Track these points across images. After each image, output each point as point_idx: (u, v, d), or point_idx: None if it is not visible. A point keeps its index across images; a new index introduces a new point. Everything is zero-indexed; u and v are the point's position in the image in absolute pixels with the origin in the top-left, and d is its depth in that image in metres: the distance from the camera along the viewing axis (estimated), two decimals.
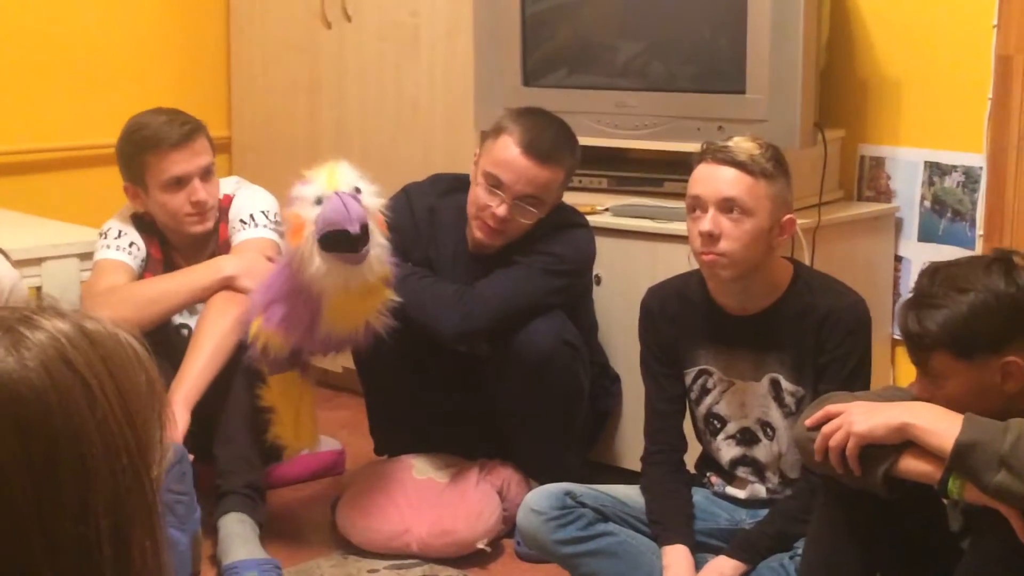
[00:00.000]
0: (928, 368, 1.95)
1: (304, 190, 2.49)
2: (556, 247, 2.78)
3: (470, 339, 2.74)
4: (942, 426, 1.86)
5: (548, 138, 2.76)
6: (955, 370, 1.92)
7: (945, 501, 2.00)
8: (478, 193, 2.75)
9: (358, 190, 2.50)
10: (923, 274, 2.03)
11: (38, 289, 2.83)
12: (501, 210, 2.72)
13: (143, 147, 2.74)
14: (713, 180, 2.31)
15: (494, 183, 2.73)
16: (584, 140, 3.14)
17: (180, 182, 2.73)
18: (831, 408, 2.00)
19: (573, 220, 2.86)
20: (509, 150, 2.72)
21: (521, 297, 2.73)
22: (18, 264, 2.64)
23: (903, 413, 1.92)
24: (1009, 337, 1.90)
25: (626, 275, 2.92)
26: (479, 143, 2.87)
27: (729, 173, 2.30)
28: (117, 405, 0.89)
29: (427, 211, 2.90)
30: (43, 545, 0.85)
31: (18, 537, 0.85)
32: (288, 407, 2.69)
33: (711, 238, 2.30)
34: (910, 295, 2.01)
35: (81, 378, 0.88)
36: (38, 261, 2.82)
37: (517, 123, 2.76)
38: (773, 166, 2.33)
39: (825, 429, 1.97)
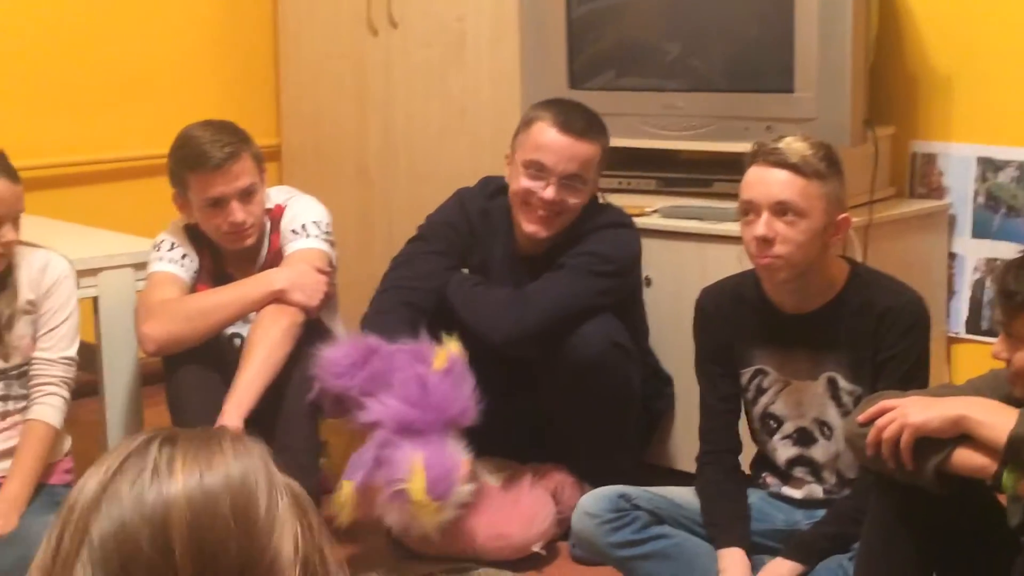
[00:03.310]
0: (1013, 328, 1.94)
1: None
2: (601, 247, 2.79)
3: (522, 344, 2.74)
4: (998, 419, 1.86)
5: (580, 116, 2.81)
6: None
7: (1001, 496, 1.98)
8: (522, 183, 2.77)
9: None
10: None
11: (94, 301, 2.87)
12: (549, 192, 2.73)
13: (185, 165, 2.77)
14: (765, 183, 2.31)
15: (537, 168, 2.74)
16: (632, 142, 3.16)
17: (218, 203, 2.75)
18: (885, 402, 1.99)
19: (618, 220, 2.86)
20: (546, 133, 2.75)
21: (570, 299, 2.73)
22: (76, 274, 2.69)
23: (959, 406, 1.92)
24: None
25: (676, 276, 2.92)
26: (510, 143, 2.87)
27: (782, 175, 2.29)
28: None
29: (480, 214, 2.92)
30: None
31: None
32: (339, 443, 2.69)
33: (766, 242, 2.30)
34: (1018, 254, 2.00)
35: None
36: (95, 272, 2.85)
37: (547, 110, 2.81)
38: (826, 166, 2.32)
39: (879, 422, 1.96)
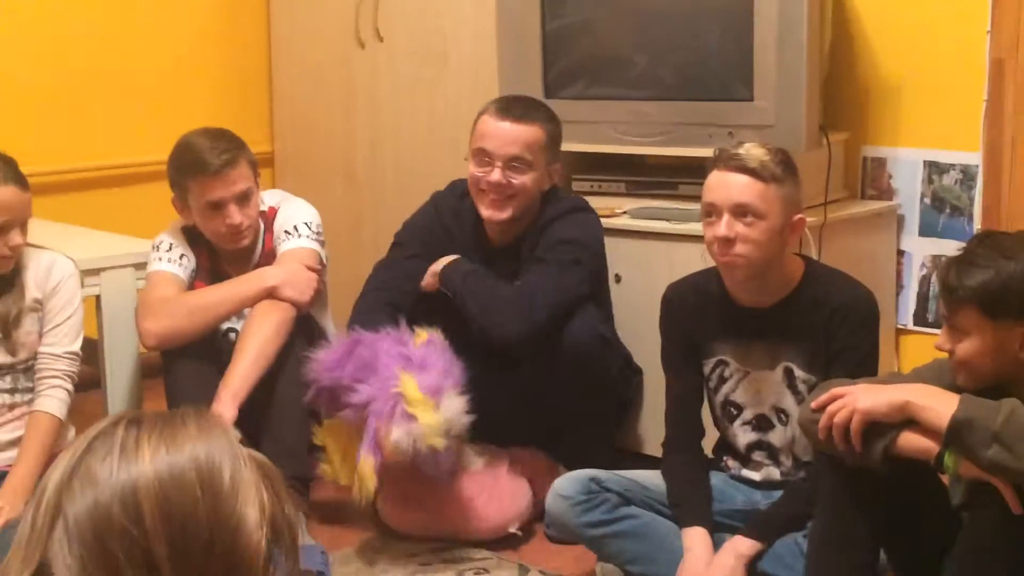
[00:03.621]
0: (955, 321, 1.96)
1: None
2: (570, 232, 2.78)
3: (531, 341, 2.69)
4: (940, 405, 1.87)
5: (519, 103, 2.84)
6: (979, 327, 1.93)
7: (944, 477, 1.99)
8: (472, 171, 2.79)
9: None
10: (974, 237, 2.06)
11: (97, 299, 2.86)
12: (495, 175, 2.75)
13: (185, 171, 2.76)
14: (726, 187, 2.31)
15: (483, 155, 2.77)
16: (602, 147, 3.17)
17: (217, 207, 2.75)
18: (836, 390, 2.01)
19: (577, 205, 2.87)
20: (487, 123, 2.79)
21: (564, 293, 2.72)
22: (80, 274, 2.68)
23: (904, 392, 1.93)
24: None
25: (645, 274, 2.93)
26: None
27: (741, 180, 2.30)
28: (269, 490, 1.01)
29: (452, 213, 2.93)
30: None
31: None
32: (336, 447, 2.67)
33: (727, 242, 2.31)
34: (958, 252, 2.01)
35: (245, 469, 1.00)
36: (97, 271, 2.85)
37: (491, 103, 2.86)
38: (783, 170, 2.33)
39: (831, 408, 1.98)
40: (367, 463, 2.51)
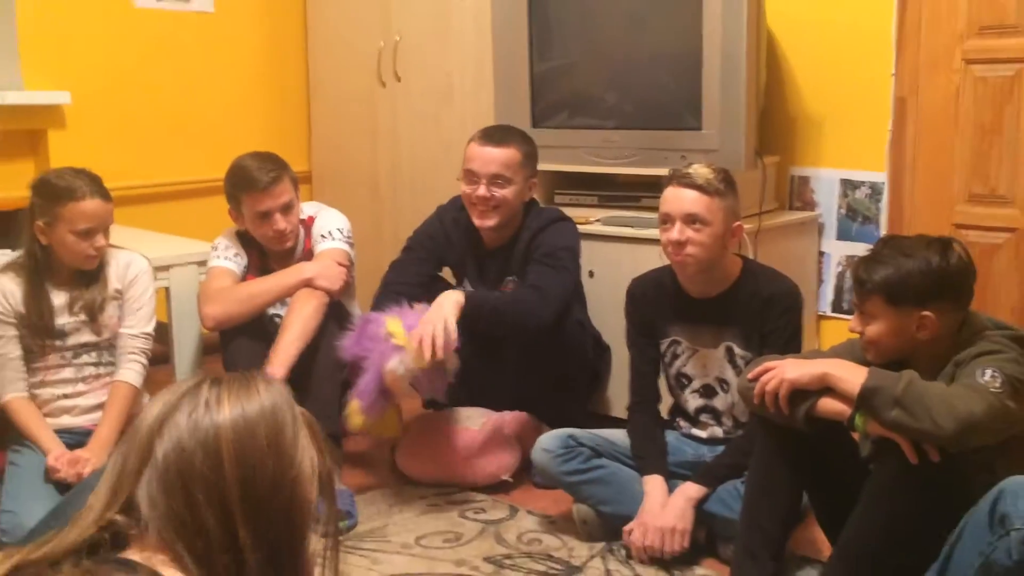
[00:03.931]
0: (864, 308, 1.96)
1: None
2: (562, 240, 2.75)
3: (548, 327, 2.65)
4: (852, 375, 1.86)
5: (498, 130, 2.83)
6: (884, 313, 1.92)
7: (855, 435, 2.00)
8: (463, 188, 2.78)
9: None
10: (880, 239, 2.04)
11: (167, 290, 2.85)
12: (480, 190, 2.74)
13: (239, 187, 2.75)
14: (679, 200, 2.31)
15: (471, 175, 2.76)
16: (579, 168, 3.17)
17: (265, 216, 2.74)
18: (767, 363, 2.00)
19: (558, 215, 2.84)
20: (473, 148, 2.78)
21: (564, 289, 2.70)
22: (153, 270, 2.68)
23: (824, 365, 1.92)
24: (930, 297, 1.89)
25: (613, 270, 2.93)
26: None
27: (691, 194, 2.30)
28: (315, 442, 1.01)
29: (453, 223, 2.91)
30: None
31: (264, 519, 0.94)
32: (363, 428, 2.60)
33: (679, 245, 2.30)
34: (867, 252, 2.00)
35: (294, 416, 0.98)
36: (167, 268, 2.84)
37: (476, 133, 2.84)
38: (725, 186, 2.33)
39: (763, 378, 1.97)
40: (352, 405, 2.51)
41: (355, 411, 2.52)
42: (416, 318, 2.53)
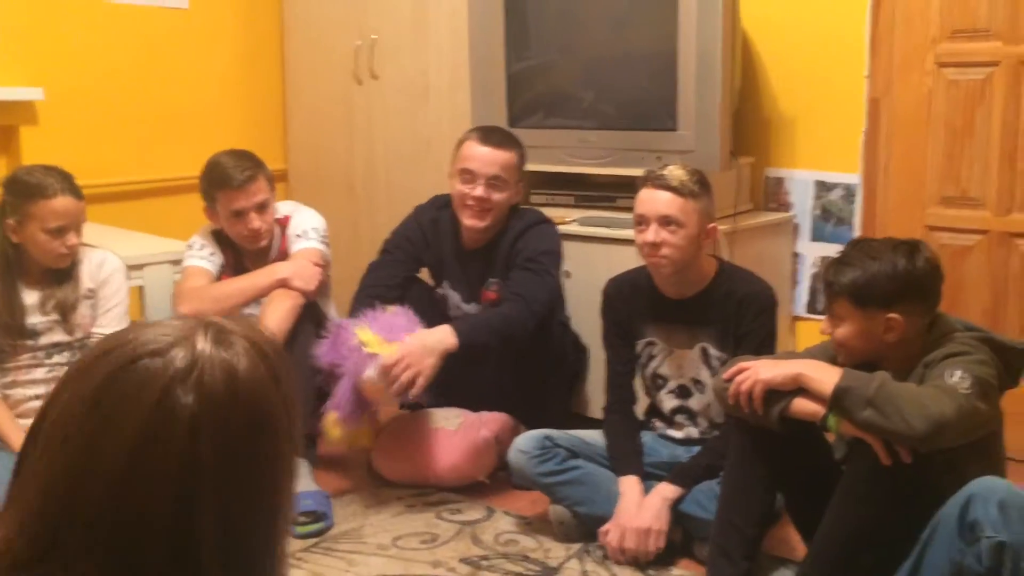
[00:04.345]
0: (833, 310, 1.97)
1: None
2: (545, 244, 2.75)
3: (534, 329, 2.66)
4: (826, 376, 1.87)
5: (497, 132, 2.83)
6: (852, 315, 1.93)
7: (829, 436, 2.01)
8: (458, 187, 2.76)
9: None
10: (850, 242, 2.05)
11: (140, 289, 2.83)
12: (478, 191, 2.73)
13: (214, 184, 2.74)
14: (653, 201, 2.32)
15: (468, 174, 2.74)
16: (555, 167, 3.17)
17: (239, 214, 2.73)
18: (742, 364, 2.01)
19: (541, 218, 2.85)
20: (473, 147, 2.76)
21: (549, 291, 2.70)
22: (126, 268, 2.66)
23: (797, 366, 1.93)
24: (896, 299, 1.90)
25: (589, 270, 2.93)
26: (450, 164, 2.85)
27: (666, 196, 2.31)
28: (291, 413, 0.85)
29: (431, 222, 2.91)
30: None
31: (236, 498, 0.80)
32: (342, 439, 2.57)
33: (654, 246, 2.31)
34: (837, 254, 2.01)
35: (282, 392, 0.84)
36: (141, 267, 2.82)
37: (473, 131, 2.83)
38: (699, 188, 2.33)
39: (737, 379, 1.98)
40: (329, 417, 2.49)
41: (332, 423, 2.50)
42: (387, 322, 2.52)
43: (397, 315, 2.55)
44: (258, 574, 0.80)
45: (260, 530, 0.80)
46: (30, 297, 2.49)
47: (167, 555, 0.77)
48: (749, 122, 3.25)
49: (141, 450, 0.77)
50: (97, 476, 0.77)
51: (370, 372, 2.44)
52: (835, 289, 1.94)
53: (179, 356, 0.79)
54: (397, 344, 2.47)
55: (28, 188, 2.43)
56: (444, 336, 2.52)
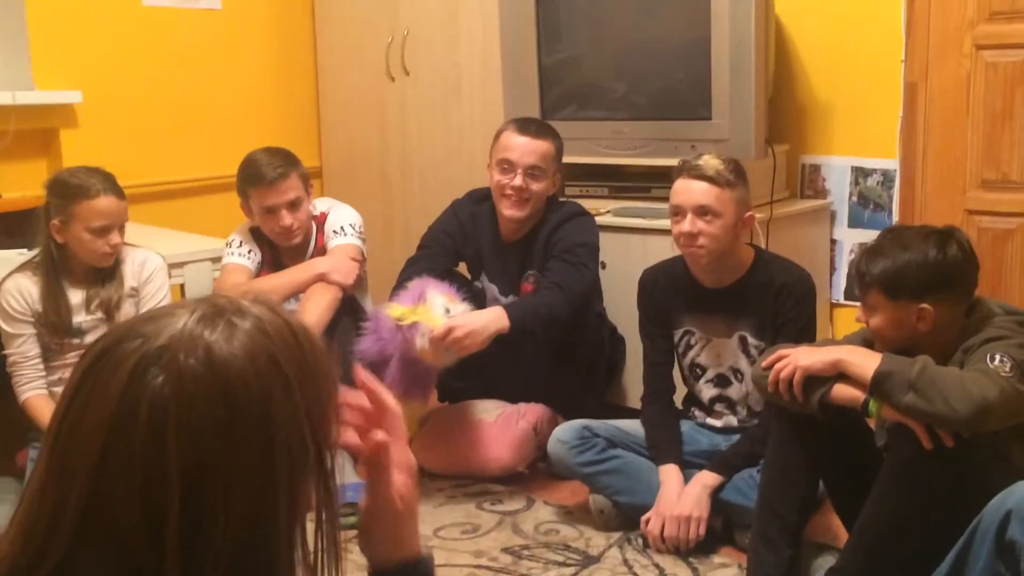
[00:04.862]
0: (866, 300, 1.96)
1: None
2: (582, 237, 2.75)
3: (572, 317, 2.68)
4: (866, 361, 1.87)
5: (534, 122, 2.84)
6: (884, 306, 1.92)
7: (869, 421, 2.00)
8: (496, 178, 2.77)
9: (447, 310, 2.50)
10: (883, 231, 2.03)
11: (182, 287, 2.88)
12: (517, 180, 2.74)
13: (247, 181, 2.78)
14: (689, 192, 2.32)
15: (507, 164, 2.75)
16: (589, 159, 3.17)
17: (271, 211, 2.76)
18: (781, 351, 2.01)
19: (580, 210, 2.85)
20: (511, 138, 2.76)
21: (585, 282, 2.71)
22: (168, 267, 2.70)
23: (837, 352, 1.93)
24: (928, 290, 1.89)
25: (625, 261, 2.93)
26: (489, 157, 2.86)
27: (702, 186, 2.30)
28: (306, 400, 0.77)
29: (469, 216, 2.92)
30: (223, 504, 0.73)
31: (209, 490, 0.72)
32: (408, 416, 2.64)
33: (691, 236, 2.31)
34: (869, 244, 2.00)
35: (283, 375, 0.77)
36: (182, 264, 2.85)
37: (510, 122, 2.84)
38: (735, 177, 2.33)
39: (777, 366, 1.98)
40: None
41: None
42: (410, 293, 2.53)
43: (416, 285, 2.57)
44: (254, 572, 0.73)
45: (252, 526, 0.73)
46: (75, 296, 2.54)
47: (146, 552, 0.71)
48: (784, 109, 3.24)
49: (112, 436, 0.72)
50: (79, 468, 0.72)
51: (421, 342, 2.45)
52: (866, 280, 1.93)
53: (159, 336, 0.75)
54: (427, 306, 2.47)
55: (72, 189, 2.47)
56: (498, 316, 2.53)
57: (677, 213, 2.34)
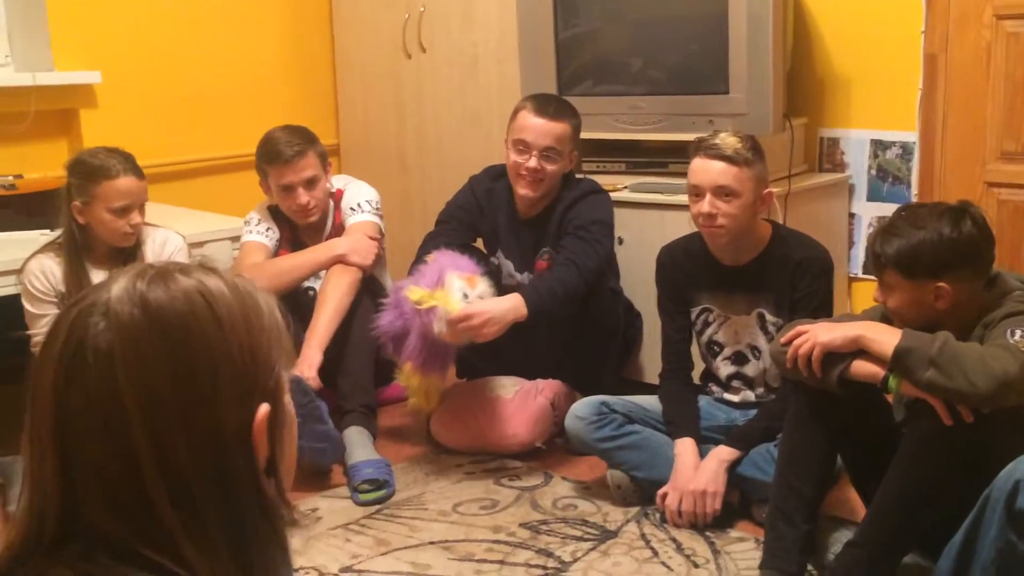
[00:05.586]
0: (882, 279, 1.95)
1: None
2: (597, 214, 2.74)
3: (586, 293, 2.68)
4: (885, 337, 1.86)
5: (552, 102, 2.80)
6: (901, 285, 1.91)
7: (888, 397, 2.00)
8: (512, 157, 2.76)
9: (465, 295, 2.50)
10: (898, 209, 2.01)
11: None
12: (532, 162, 2.72)
13: (264, 159, 2.79)
14: (707, 172, 2.30)
15: (522, 145, 2.74)
16: (606, 135, 3.16)
17: (288, 189, 2.77)
18: (800, 327, 2.00)
19: (595, 188, 2.84)
20: (527, 118, 2.74)
21: (599, 259, 2.70)
22: (188, 246, 2.71)
23: (856, 328, 1.92)
24: (944, 268, 1.88)
25: (643, 237, 2.93)
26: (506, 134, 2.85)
27: (719, 166, 2.29)
28: (243, 338, 0.84)
29: (485, 193, 2.92)
30: (186, 444, 0.80)
31: (165, 429, 0.79)
32: (420, 388, 2.65)
33: (710, 216, 2.30)
34: (884, 222, 1.99)
35: (215, 313, 0.83)
36: (201, 244, 2.87)
37: (528, 100, 2.81)
38: (752, 154, 2.31)
39: (796, 342, 1.97)
40: (405, 368, 2.58)
41: (409, 373, 2.58)
42: (431, 272, 2.53)
43: (436, 260, 2.57)
44: (210, 503, 0.80)
45: (205, 460, 0.80)
46: (97, 276, 2.56)
47: (128, 496, 0.79)
48: (802, 82, 3.21)
49: (69, 385, 0.79)
50: (43, 422, 0.80)
51: (439, 326, 2.46)
52: (882, 261, 1.92)
53: (101, 292, 0.83)
54: (445, 291, 2.48)
55: (92, 169, 2.49)
56: (516, 305, 2.53)
57: (695, 193, 2.32)
